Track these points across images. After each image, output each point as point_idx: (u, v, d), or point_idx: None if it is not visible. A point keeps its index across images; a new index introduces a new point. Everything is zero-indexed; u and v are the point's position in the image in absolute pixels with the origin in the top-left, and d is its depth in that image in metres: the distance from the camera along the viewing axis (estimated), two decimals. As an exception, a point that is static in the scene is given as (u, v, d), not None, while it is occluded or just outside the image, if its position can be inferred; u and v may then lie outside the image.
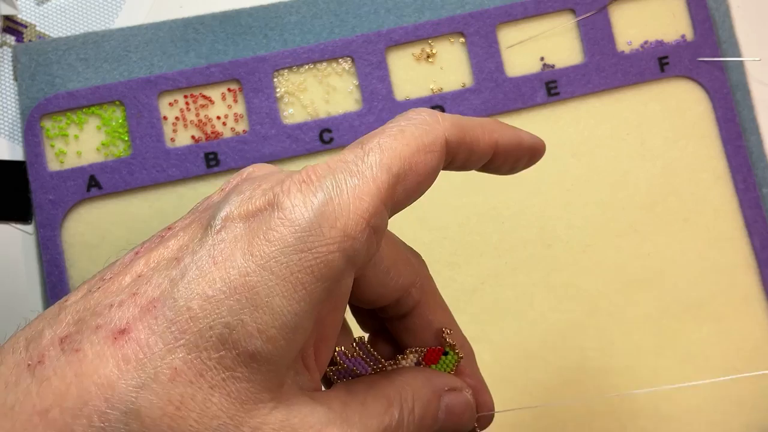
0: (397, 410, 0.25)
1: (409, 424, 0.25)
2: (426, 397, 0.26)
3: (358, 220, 0.22)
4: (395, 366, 0.28)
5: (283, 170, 0.24)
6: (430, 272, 0.34)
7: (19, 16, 0.44)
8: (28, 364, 0.21)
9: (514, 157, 0.29)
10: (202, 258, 0.21)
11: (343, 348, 0.27)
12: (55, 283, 0.40)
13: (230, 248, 0.21)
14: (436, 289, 0.30)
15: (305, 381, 0.23)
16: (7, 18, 0.43)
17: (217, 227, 0.22)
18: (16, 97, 0.43)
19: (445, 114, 0.26)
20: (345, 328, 0.30)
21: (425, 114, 0.25)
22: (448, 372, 0.29)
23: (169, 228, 0.24)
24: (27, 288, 0.41)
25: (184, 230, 0.23)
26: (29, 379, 0.20)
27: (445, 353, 0.29)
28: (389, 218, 0.24)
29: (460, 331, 0.30)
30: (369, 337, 0.30)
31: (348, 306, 0.28)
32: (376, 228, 0.23)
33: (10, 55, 0.43)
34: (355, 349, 0.27)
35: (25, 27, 0.44)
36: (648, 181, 0.43)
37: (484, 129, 0.27)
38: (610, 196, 0.43)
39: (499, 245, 0.42)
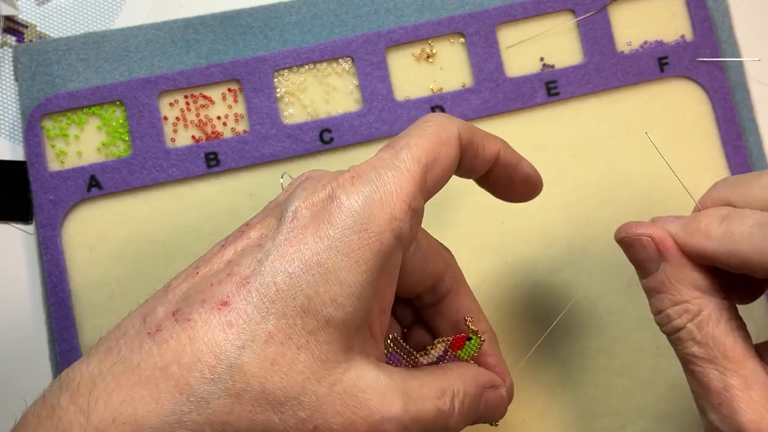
0: (449, 399, 0.29)
1: (460, 413, 0.30)
2: (473, 392, 0.31)
3: (402, 204, 0.26)
4: (426, 355, 0.33)
5: (333, 172, 0.29)
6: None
7: (20, 16, 0.44)
8: (148, 333, 0.25)
9: (510, 176, 0.33)
10: (280, 242, 0.26)
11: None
12: (55, 282, 0.40)
13: (302, 233, 0.26)
14: (464, 278, 0.34)
15: (371, 348, 0.27)
16: (8, 18, 0.43)
17: (290, 217, 0.26)
18: (17, 98, 0.43)
19: (458, 119, 0.30)
20: None
21: (441, 116, 0.30)
22: (473, 354, 0.33)
23: (247, 224, 0.28)
24: (28, 288, 0.41)
25: (261, 223, 0.28)
26: (150, 343, 0.25)
27: (469, 339, 0.33)
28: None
29: (485, 317, 0.34)
30: (401, 332, 0.34)
31: None
32: (416, 210, 0.27)
33: (11, 55, 0.43)
34: (390, 345, 0.31)
35: (26, 27, 0.44)
36: (647, 181, 0.43)
37: (490, 138, 0.31)
38: (609, 196, 0.43)
39: (500, 245, 0.42)
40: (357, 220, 0.26)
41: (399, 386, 0.27)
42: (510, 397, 0.34)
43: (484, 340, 0.33)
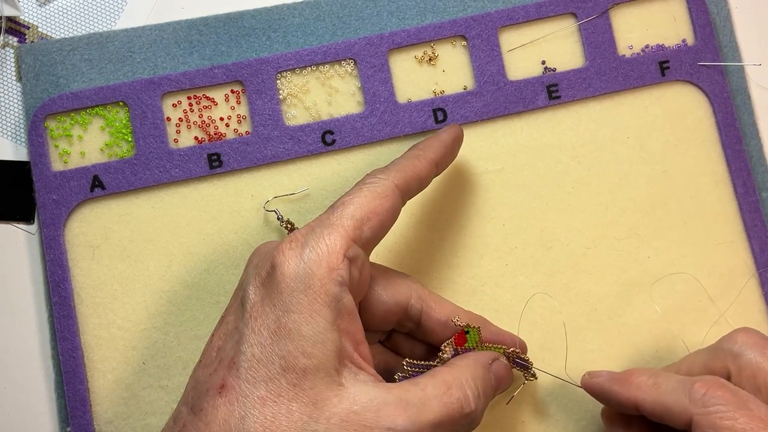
0: (456, 390, 0.32)
1: (475, 399, 0.32)
2: (482, 375, 0.34)
3: (337, 256, 0.31)
4: (440, 362, 0.35)
5: (277, 242, 0.33)
6: (431, 273, 0.42)
7: (22, 17, 0.44)
8: (178, 431, 0.30)
9: (450, 156, 0.39)
10: (247, 321, 0.31)
11: (400, 373, 0.35)
12: (58, 282, 0.40)
13: (261, 308, 0.31)
14: (432, 292, 0.37)
15: (364, 376, 0.31)
16: (10, 19, 0.44)
17: (249, 298, 0.31)
18: (20, 98, 0.43)
19: (389, 166, 0.35)
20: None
21: (376, 173, 0.35)
22: (478, 341, 0.37)
23: (225, 311, 0.33)
24: (30, 288, 0.41)
25: (232, 309, 0.33)
26: None
27: (467, 332, 0.36)
28: (370, 251, 0.34)
29: (465, 311, 0.38)
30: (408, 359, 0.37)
31: (384, 347, 0.38)
32: (352, 258, 0.32)
33: (13, 56, 0.43)
34: (407, 369, 0.35)
35: (28, 28, 0.44)
36: (648, 185, 0.43)
37: (420, 158, 0.36)
38: (610, 199, 0.43)
39: (500, 247, 0.42)
40: (300, 281, 0.30)
41: (396, 398, 0.30)
42: (524, 349, 0.39)
43: (479, 327, 0.37)
